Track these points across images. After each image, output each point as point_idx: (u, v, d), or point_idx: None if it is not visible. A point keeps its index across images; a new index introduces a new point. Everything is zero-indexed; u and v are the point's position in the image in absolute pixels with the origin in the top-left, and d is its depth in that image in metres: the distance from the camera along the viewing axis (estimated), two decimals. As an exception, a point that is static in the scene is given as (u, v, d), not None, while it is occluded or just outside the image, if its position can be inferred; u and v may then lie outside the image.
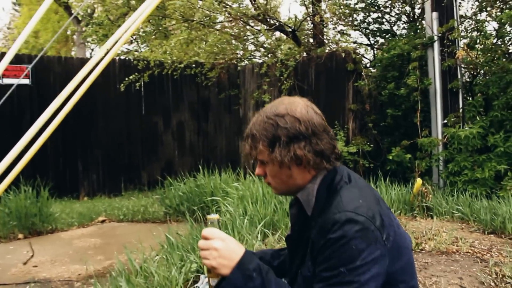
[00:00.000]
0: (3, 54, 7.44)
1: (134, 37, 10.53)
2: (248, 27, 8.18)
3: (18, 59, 7.18)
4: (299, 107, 1.48)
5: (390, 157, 5.84)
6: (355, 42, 8.42)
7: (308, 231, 1.45)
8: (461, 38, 5.88)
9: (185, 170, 7.30)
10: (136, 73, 7.57)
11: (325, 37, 8.00)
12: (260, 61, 8.52)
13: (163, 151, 8.52)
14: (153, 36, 8.95)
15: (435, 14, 5.88)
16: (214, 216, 1.46)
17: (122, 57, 8.72)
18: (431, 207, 4.53)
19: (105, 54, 2.06)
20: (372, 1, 8.07)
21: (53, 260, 4.14)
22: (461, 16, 6.36)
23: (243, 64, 8.87)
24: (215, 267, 1.34)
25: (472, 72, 6.23)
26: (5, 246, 4.60)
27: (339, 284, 1.29)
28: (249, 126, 1.54)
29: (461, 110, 5.73)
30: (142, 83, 7.94)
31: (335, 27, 8.43)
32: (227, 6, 7.28)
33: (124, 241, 4.11)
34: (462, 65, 5.93)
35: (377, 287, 1.34)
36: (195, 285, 1.75)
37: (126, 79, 7.52)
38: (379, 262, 1.32)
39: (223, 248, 1.36)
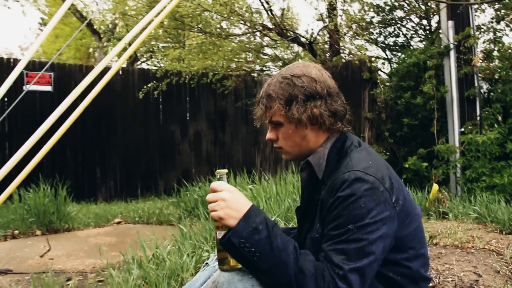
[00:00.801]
0: (33, 62, 7.66)
1: (152, 49, 10.75)
2: (265, 38, 8.28)
3: (42, 66, 7.38)
4: (313, 69, 1.52)
5: (407, 165, 5.80)
6: (372, 57, 8.46)
7: (318, 194, 1.47)
8: (477, 46, 5.88)
9: (201, 179, 7.36)
10: (154, 81, 7.71)
11: (341, 45, 8.05)
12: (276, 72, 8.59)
13: (180, 160, 8.60)
14: (171, 48, 9.09)
15: (450, 22, 5.90)
16: (223, 170, 1.50)
17: (140, 67, 8.88)
18: (447, 212, 4.47)
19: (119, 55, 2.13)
20: (388, 14, 8.11)
21: (68, 254, 4.19)
22: (477, 27, 6.36)
23: (260, 75, 8.96)
24: (222, 218, 1.36)
25: (489, 80, 6.19)
26: (23, 241, 4.68)
27: (347, 242, 1.29)
28: (262, 89, 1.56)
29: (478, 118, 5.69)
30: (161, 92, 8.07)
31: (352, 40, 8.50)
32: (243, 16, 7.39)
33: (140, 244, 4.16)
34: (479, 74, 5.91)
35: (385, 248, 1.35)
36: (206, 262, 1.77)
37: (145, 87, 7.66)
38: (388, 223, 1.33)
39: (231, 199, 1.38)
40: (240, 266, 1.41)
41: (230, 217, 1.35)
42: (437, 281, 2.26)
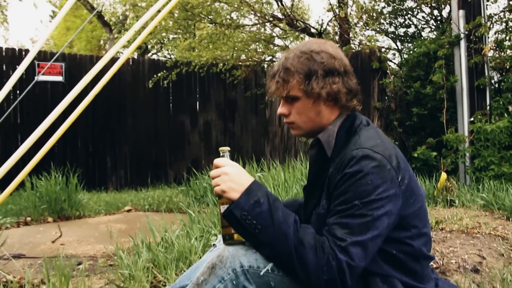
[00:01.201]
0: (45, 53, 7.75)
1: (162, 41, 10.78)
2: (276, 29, 8.29)
3: (53, 57, 7.46)
4: (330, 47, 1.55)
5: (416, 155, 5.79)
6: (382, 47, 8.42)
7: (326, 171, 1.49)
8: (488, 35, 5.83)
9: (211, 168, 7.41)
10: (164, 71, 7.76)
11: (350, 35, 8.03)
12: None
13: (190, 150, 8.67)
14: (181, 38, 9.14)
15: (461, 12, 5.85)
16: (225, 148, 1.54)
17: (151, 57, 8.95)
18: (454, 200, 4.47)
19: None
20: (399, 4, 8.07)
21: (79, 240, 4.26)
22: (489, 16, 6.31)
23: (270, 65, 8.96)
24: (225, 191, 1.40)
25: (499, 70, 6.15)
26: (35, 227, 4.76)
27: (352, 216, 1.33)
28: (278, 63, 1.56)
29: (488, 108, 5.66)
30: (171, 83, 8.11)
31: (362, 30, 8.47)
32: (253, 7, 7.39)
33: (149, 228, 4.22)
34: (490, 63, 5.87)
35: (389, 225, 1.38)
36: (213, 243, 1.81)
37: (155, 76, 7.71)
38: (393, 201, 1.36)
39: (233, 173, 1.42)
40: (243, 240, 1.45)
41: (232, 190, 1.39)
42: (441, 263, 2.28)
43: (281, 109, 1.57)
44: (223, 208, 1.43)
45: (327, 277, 1.29)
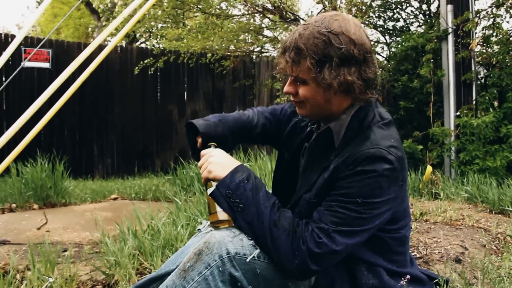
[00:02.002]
0: (31, 38, 7.65)
1: (151, 30, 10.70)
2: (265, 20, 8.26)
3: (40, 42, 7.36)
4: (353, 27, 1.38)
5: (402, 148, 5.83)
6: (371, 41, 8.42)
7: (327, 160, 1.45)
8: (476, 30, 5.88)
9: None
10: (151, 58, 7.70)
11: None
12: (275, 54, 8.60)
13: (177, 140, 8.65)
14: (170, 28, 9.07)
15: (450, 6, 5.89)
16: (212, 143, 1.59)
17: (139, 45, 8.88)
18: (439, 192, 4.53)
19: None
20: (388, -1, 8.08)
21: (65, 227, 4.25)
22: (477, 12, 6.35)
23: (258, 56, 8.95)
24: (211, 171, 1.44)
25: (486, 65, 6.21)
26: (20, 214, 4.73)
27: (349, 210, 1.33)
28: (291, 38, 1.41)
29: (474, 102, 5.72)
30: (159, 72, 8.07)
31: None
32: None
33: (135, 215, 4.22)
34: (477, 59, 5.93)
35: (380, 224, 1.40)
36: (198, 228, 1.82)
37: (141, 62, 7.65)
38: (390, 203, 1.38)
39: (220, 156, 1.48)
40: (229, 227, 1.47)
41: (219, 170, 1.43)
42: (425, 253, 2.32)
43: (287, 88, 1.46)
44: (209, 190, 1.46)
45: (298, 261, 1.31)
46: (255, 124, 1.78)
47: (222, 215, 1.48)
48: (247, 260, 1.36)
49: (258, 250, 1.38)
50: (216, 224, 1.51)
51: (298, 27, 1.42)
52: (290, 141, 1.71)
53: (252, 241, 1.39)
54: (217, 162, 1.45)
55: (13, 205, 4.97)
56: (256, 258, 1.37)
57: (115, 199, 5.67)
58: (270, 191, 1.62)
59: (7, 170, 5.06)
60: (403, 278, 1.44)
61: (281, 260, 1.34)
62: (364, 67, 1.39)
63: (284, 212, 1.39)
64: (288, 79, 1.48)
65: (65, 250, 3.34)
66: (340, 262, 1.43)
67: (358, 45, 1.36)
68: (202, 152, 1.53)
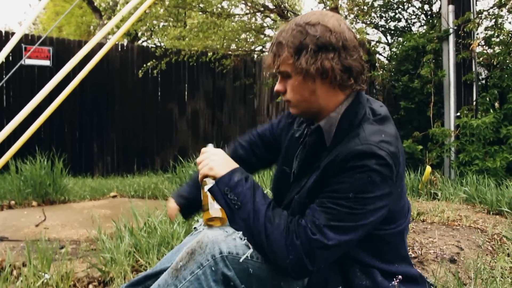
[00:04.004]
0: (32, 36, 7.66)
1: (152, 28, 10.70)
2: (266, 19, 8.26)
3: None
4: (331, 19, 1.41)
5: (401, 148, 5.83)
6: (372, 41, 8.43)
7: (318, 161, 1.45)
8: (477, 31, 5.88)
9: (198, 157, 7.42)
10: (153, 60, 7.70)
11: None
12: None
13: (177, 138, 8.66)
14: (172, 27, 9.07)
15: (451, 7, 5.89)
16: (210, 144, 1.60)
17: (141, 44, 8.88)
18: (438, 193, 4.52)
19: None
20: (390, -1, 8.07)
21: (63, 224, 4.25)
22: (478, 12, 6.34)
23: (259, 55, 8.94)
24: (212, 168, 1.45)
25: (487, 66, 6.20)
26: (19, 211, 4.74)
27: (341, 205, 1.32)
28: (275, 36, 1.47)
29: (474, 103, 5.72)
30: (160, 71, 8.07)
31: (352, 24, 8.46)
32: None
33: (132, 213, 4.22)
34: (478, 59, 5.92)
35: (376, 221, 1.37)
36: (194, 227, 1.82)
37: (144, 65, 7.65)
38: (384, 199, 1.35)
39: (220, 155, 1.49)
40: (223, 226, 1.47)
41: (219, 167, 1.44)
42: (420, 253, 2.31)
43: (277, 86, 1.49)
44: (207, 187, 1.46)
45: (293, 257, 1.30)
46: (251, 161, 1.91)
47: (215, 212, 1.49)
48: (241, 260, 1.35)
49: (251, 250, 1.37)
50: (209, 222, 1.51)
51: (280, 28, 1.48)
52: (288, 154, 1.69)
53: (245, 240, 1.38)
54: (218, 160, 1.46)
55: (12, 202, 4.98)
56: (249, 258, 1.37)
57: (114, 197, 5.68)
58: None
59: (6, 167, 5.07)
60: (394, 279, 1.43)
61: (276, 257, 1.33)
62: (344, 53, 1.38)
63: (279, 211, 1.39)
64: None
65: (62, 247, 3.34)
66: (334, 263, 1.42)
67: (335, 32, 1.37)
68: (203, 150, 1.53)
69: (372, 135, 1.36)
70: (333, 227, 1.31)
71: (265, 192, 1.44)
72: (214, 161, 1.45)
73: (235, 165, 1.46)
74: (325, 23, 1.38)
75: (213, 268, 1.34)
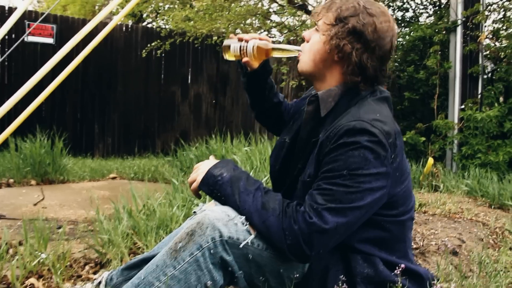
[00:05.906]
0: (36, 13, 7.58)
1: (158, 10, 10.60)
2: (273, 4, 8.16)
3: (44, 18, 7.30)
4: (386, 23, 1.45)
5: (404, 139, 5.79)
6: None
7: (316, 136, 1.46)
8: (485, 23, 5.80)
9: (199, 141, 7.40)
10: (158, 40, 7.62)
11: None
12: (281, 39, 8.51)
13: (179, 121, 8.62)
14: (178, 8, 8.97)
15: (460, -2, 5.80)
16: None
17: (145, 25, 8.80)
18: (439, 185, 4.49)
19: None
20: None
21: (61, 204, 4.24)
22: (488, 4, 6.26)
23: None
24: (194, 178, 1.51)
25: (494, 59, 6.14)
26: (18, 189, 4.73)
27: (336, 185, 1.31)
28: None
29: (479, 96, 5.66)
30: (163, 52, 7.99)
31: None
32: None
33: (131, 195, 4.21)
34: (485, 52, 5.86)
35: (374, 203, 1.35)
36: (194, 211, 1.79)
37: (148, 45, 7.58)
38: (381, 179, 1.33)
39: (205, 163, 1.52)
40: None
41: (201, 174, 1.47)
42: (421, 244, 2.29)
43: (306, 32, 1.55)
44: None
45: (290, 242, 1.30)
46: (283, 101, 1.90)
47: None
48: (241, 245, 1.34)
49: (252, 236, 1.35)
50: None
51: None
52: (293, 125, 1.71)
53: (247, 226, 1.36)
54: (201, 167, 1.50)
55: (11, 180, 4.96)
56: (249, 244, 1.35)
57: (113, 178, 5.66)
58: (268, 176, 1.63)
59: (5, 144, 5.05)
60: (397, 268, 1.40)
61: (273, 242, 1.34)
62: (368, 53, 1.42)
63: (272, 195, 1.39)
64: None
65: (59, 227, 3.31)
66: (335, 250, 1.40)
67: (377, 33, 1.42)
68: (196, 166, 1.57)
69: (366, 113, 1.37)
70: (330, 209, 1.29)
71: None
72: (199, 170, 1.49)
73: (216, 161, 1.50)
74: (377, 20, 1.42)
75: (212, 251, 1.33)
